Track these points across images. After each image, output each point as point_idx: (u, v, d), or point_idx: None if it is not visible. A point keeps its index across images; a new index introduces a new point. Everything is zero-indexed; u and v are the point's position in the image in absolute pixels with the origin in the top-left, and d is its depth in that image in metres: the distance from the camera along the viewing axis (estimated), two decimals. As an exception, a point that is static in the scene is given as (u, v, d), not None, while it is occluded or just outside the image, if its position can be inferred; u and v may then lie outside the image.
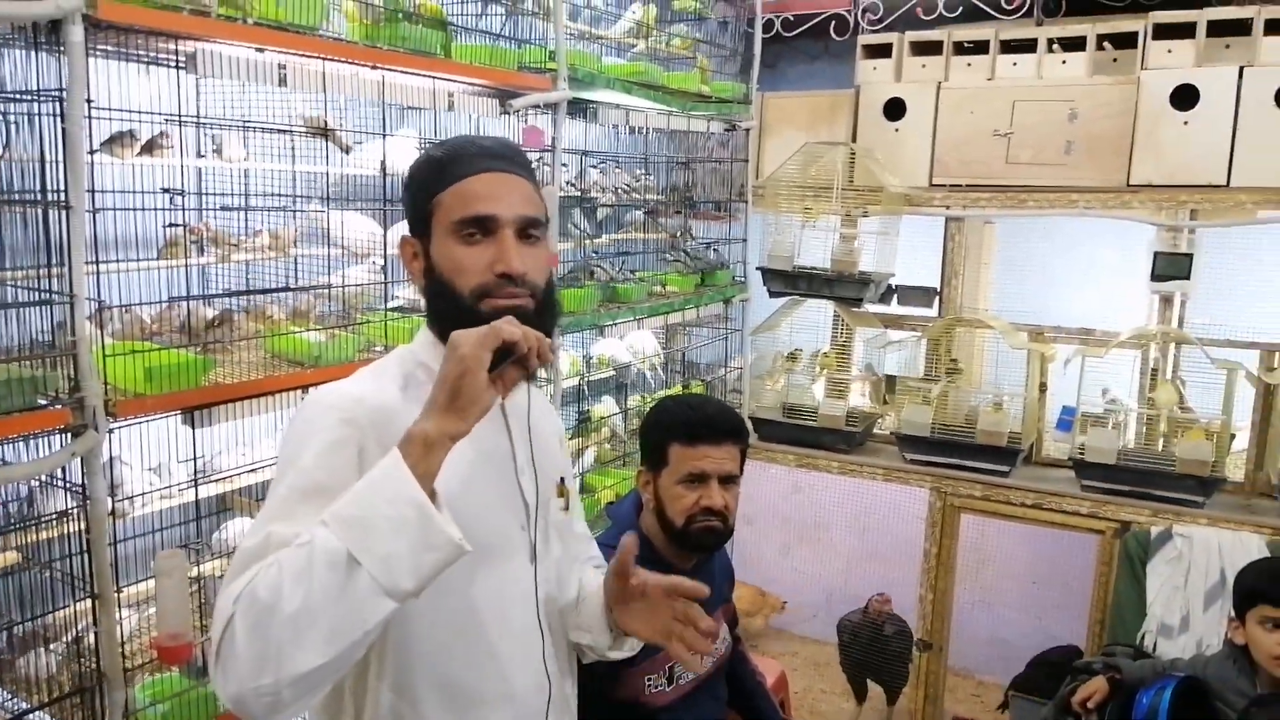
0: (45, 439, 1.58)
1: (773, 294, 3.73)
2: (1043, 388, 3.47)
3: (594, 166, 3.23)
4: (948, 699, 3.69)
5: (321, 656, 0.94)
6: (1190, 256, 3.24)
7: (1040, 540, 3.96)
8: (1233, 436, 3.12)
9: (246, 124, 1.99)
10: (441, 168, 1.21)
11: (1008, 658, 4.21)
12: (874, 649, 3.66)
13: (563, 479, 1.38)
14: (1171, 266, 3.24)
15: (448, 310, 1.16)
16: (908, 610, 3.62)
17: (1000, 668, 4.24)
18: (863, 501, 4.13)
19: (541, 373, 2.85)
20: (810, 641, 4.61)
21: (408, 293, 2.38)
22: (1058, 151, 3.37)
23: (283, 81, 1.81)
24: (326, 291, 2.08)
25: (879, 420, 3.80)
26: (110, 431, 1.63)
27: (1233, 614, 2.35)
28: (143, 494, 1.88)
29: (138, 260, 1.88)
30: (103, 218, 1.80)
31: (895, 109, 3.64)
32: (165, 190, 1.74)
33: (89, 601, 1.63)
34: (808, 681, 4.28)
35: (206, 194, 1.94)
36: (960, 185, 3.55)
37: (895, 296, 3.78)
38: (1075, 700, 2.56)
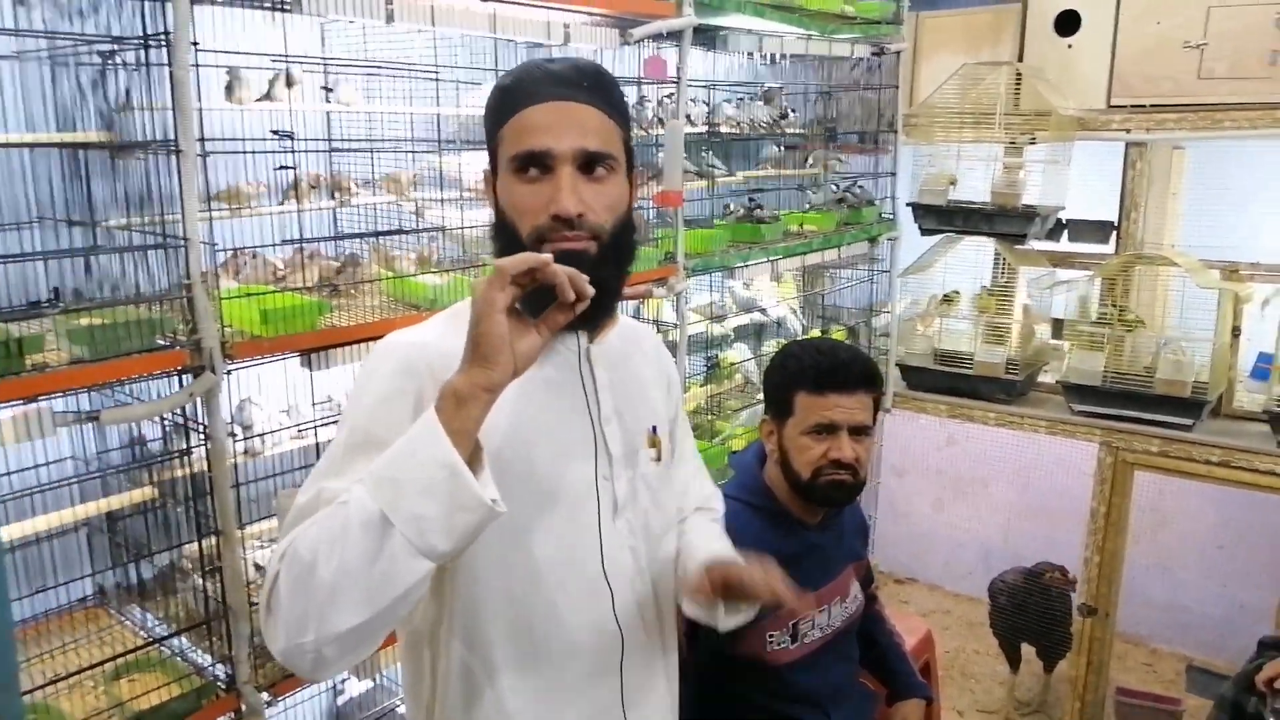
0: (168, 380, 1.63)
1: (924, 231, 3.48)
2: (1236, 332, 3.10)
3: (727, 100, 3.07)
4: (1115, 667, 3.43)
5: (358, 616, 0.92)
6: None
7: (1228, 502, 3.60)
8: None
9: (328, 63, 1.96)
10: (504, 98, 1.13)
11: (1187, 625, 3.88)
12: (1032, 613, 3.43)
13: (654, 428, 1.29)
14: (1399, 191, 2.79)
15: (507, 251, 1.06)
16: (1073, 571, 3.36)
17: (1178, 636, 3.92)
18: (1024, 455, 3.86)
19: (669, 314, 2.78)
20: (964, 599, 4.41)
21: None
22: (1260, 63, 2.95)
23: (390, 18, 1.77)
24: (441, 234, 2.05)
25: (1044, 368, 3.51)
26: (228, 373, 1.66)
27: None
28: (269, 433, 1.93)
29: (250, 208, 1.90)
30: (231, 167, 1.84)
31: (1068, 22, 3.29)
32: (275, 133, 1.74)
33: (214, 538, 1.69)
34: (960, 642, 4.09)
35: (315, 139, 1.93)
36: (1143, 106, 3.18)
37: (1066, 232, 3.45)
38: (1261, 678, 2.30)
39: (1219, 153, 3.53)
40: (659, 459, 1.27)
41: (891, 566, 4.61)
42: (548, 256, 0.96)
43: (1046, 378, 3.51)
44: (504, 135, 1.11)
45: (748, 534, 1.88)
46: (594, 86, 1.13)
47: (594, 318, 1.09)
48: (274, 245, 1.88)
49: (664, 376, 1.37)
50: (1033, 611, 3.42)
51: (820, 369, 1.89)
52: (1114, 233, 3.39)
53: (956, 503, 4.42)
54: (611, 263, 1.11)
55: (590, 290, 0.98)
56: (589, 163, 1.09)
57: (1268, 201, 3.53)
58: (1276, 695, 2.27)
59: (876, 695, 2.21)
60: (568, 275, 0.96)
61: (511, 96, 1.11)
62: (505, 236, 1.11)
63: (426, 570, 0.94)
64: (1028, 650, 3.56)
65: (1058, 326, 3.46)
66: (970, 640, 4.09)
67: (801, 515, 1.98)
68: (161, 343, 1.59)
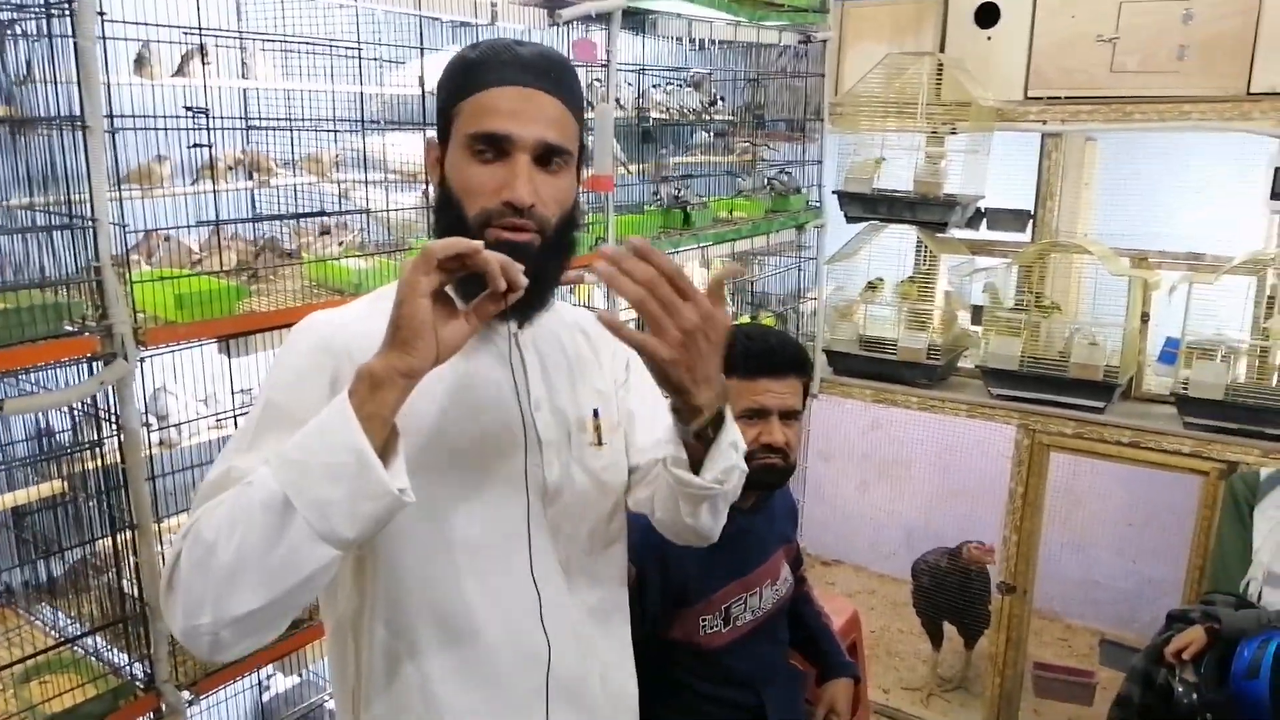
0: (77, 368, 1.56)
1: (850, 219, 3.53)
2: (1144, 318, 3.22)
3: (656, 86, 3.06)
4: (1033, 642, 3.54)
5: (257, 600, 0.90)
6: (1317, 172, 2.91)
7: (1137, 481, 3.75)
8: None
9: (261, 38, 1.89)
10: (469, 71, 1.09)
11: (1099, 600, 4.03)
12: (952, 592, 3.52)
13: (596, 412, 1.26)
14: (1296, 183, 2.92)
15: (449, 230, 1.05)
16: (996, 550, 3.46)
17: (1091, 611, 4.07)
18: (945, 438, 3.95)
19: (600, 300, 2.76)
20: (888, 580, 4.50)
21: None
22: (1169, 57, 3.06)
23: (312, -9, 1.71)
24: (366, 216, 2.00)
25: (964, 354, 3.60)
26: (142, 360, 1.59)
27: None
28: (186, 422, 1.86)
29: (164, 188, 1.82)
30: (141, 145, 1.75)
31: (988, 14, 3.36)
32: (189, 109, 1.67)
33: (129, 532, 1.62)
34: (884, 621, 4.18)
35: (231, 118, 1.86)
36: (1059, 98, 3.26)
37: (985, 220, 3.53)
38: (1169, 651, 2.39)
39: (1129, 145, 3.65)
40: (599, 443, 1.25)
41: (818, 549, 4.69)
42: (478, 244, 0.94)
43: (966, 363, 3.60)
44: (463, 110, 1.08)
45: (680, 518, 1.90)
46: (559, 78, 1.11)
47: (528, 307, 1.07)
48: (189, 227, 1.81)
49: (609, 359, 1.32)
50: (954, 590, 3.51)
51: (751, 354, 1.90)
52: (1030, 221, 3.48)
53: (880, 485, 4.51)
54: (553, 256, 1.09)
55: (523, 281, 0.96)
56: (546, 154, 1.08)
57: (1175, 192, 3.66)
58: (1184, 666, 2.37)
59: (806, 675, 2.25)
60: (500, 264, 0.94)
61: (477, 72, 1.08)
62: (449, 215, 1.08)
63: (330, 557, 0.91)
64: (949, 629, 3.66)
65: (977, 313, 3.54)
66: (895, 619, 4.18)
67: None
68: (70, 329, 1.51)
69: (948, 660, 3.78)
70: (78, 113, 1.45)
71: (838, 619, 2.76)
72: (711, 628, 1.95)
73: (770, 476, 1.93)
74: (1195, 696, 2.30)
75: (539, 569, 1.16)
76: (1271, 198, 2.93)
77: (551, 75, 1.10)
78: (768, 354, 1.90)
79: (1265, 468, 2.75)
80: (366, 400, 0.91)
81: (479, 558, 1.13)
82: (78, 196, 1.49)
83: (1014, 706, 3.42)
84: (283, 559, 0.89)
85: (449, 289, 0.96)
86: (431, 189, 1.18)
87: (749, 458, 1.87)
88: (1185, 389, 2.93)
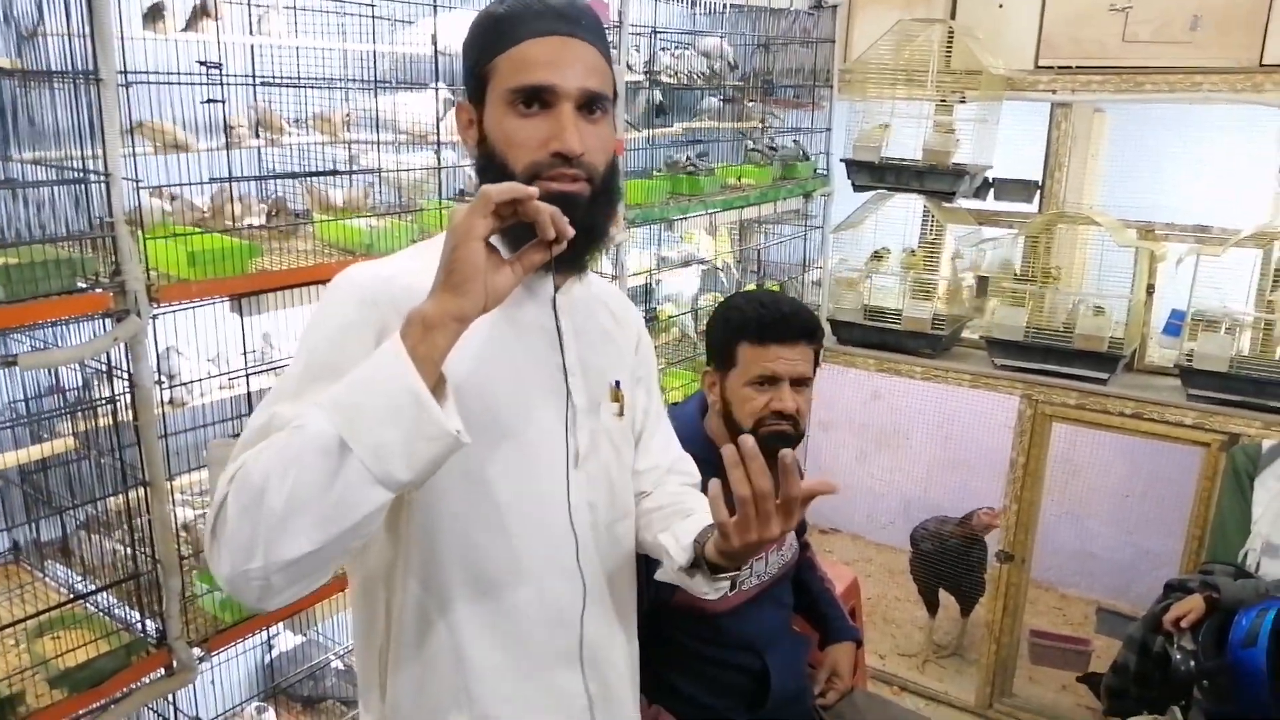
0: (91, 324, 1.55)
1: (857, 188, 3.51)
2: (1150, 290, 3.22)
3: (664, 49, 3.03)
4: (1028, 611, 3.57)
5: (310, 544, 0.89)
6: (1329, 145, 2.91)
7: (1136, 453, 3.77)
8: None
9: None
10: (500, 27, 1.08)
11: (1095, 570, 4.07)
12: (950, 560, 3.55)
13: (617, 382, 1.27)
14: (1306, 156, 2.92)
15: None
16: (991, 521, 3.49)
17: (1086, 581, 4.11)
18: (946, 409, 3.97)
19: (607, 266, 2.75)
20: (885, 548, 4.54)
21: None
22: (1182, 27, 3.03)
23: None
24: (378, 177, 1.98)
25: (968, 324, 3.60)
26: (154, 317, 1.58)
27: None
28: (196, 381, 1.85)
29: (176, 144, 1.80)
30: (154, 102, 1.73)
31: (1000, -18, 3.32)
32: (202, 63, 1.65)
33: (141, 489, 1.62)
34: (881, 589, 4.22)
35: (243, 76, 1.83)
36: (1069, 67, 3.24)
37: (992, 191, 3.52)
38: (1167, 619, 2.42)
39: (1137, 116, 3.63)
40: (621, 413, 1.26)
41: (815, 517, 4.72)
42: (534, 190, 0.94)
43: (970, 333, 3.60)
44: (498, 66, 1.07)
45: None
46: (592, 25, 1.11)
47: (576, 260, 1.08)
48: (204, 184, 1.79)
49: (633, 334, 1.35)
50: (952, 558, 3.54)
51: (763, 321, 1.90)
52: (1038, 192, 3.47)
53: (879, 455, 4.53)
54: (603, 206, 1.08)
55: (570, 231, 0.96)
56: (589, 102, 1.07)
57: (1183, 164, 3.65)
58: (1182, 634, 2.40)
59: (809, 639, 2.27)
60: (550, 214, 0.94)
61: (509, 26, 1.07)
62: (494, 171, 1.07)
63: (383, 500, 0.91)
64: (946, 597, 3.69)
65: (982, 284, 3.54)
66: (891, 587, 4.22)
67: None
68: (82, 285, 1.50)
69: (943, 627, 3.83)
70: (90, 67, 1.43)
71: (838, 585, 2.78)
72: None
73: (780, 443, 1.92)
74: (1193, 664, 2.32)
75: (576, 520, 1.17)
76: (1281, 171, 2.92)
77: (584, 23, 1.10)
78: (780, 321, 1.90)
79: (1267, 440, 2.77)
80: (419, 343, 0.91)
81: (515, 516, 1.13)
82: (90, 152, 1.47)
83: (1009, 673, 3.46)
84: (336, 502, 0.88)
85: (494, 239, 0.96)
86: (464, 152, 1.17)
87: (759, 424, 1.90)
88: (1190, 361, 2.94)
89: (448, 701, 1.15)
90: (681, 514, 1.26)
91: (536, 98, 1.05)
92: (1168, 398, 2.99)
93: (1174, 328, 3.12)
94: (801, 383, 1.93)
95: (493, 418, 1.10)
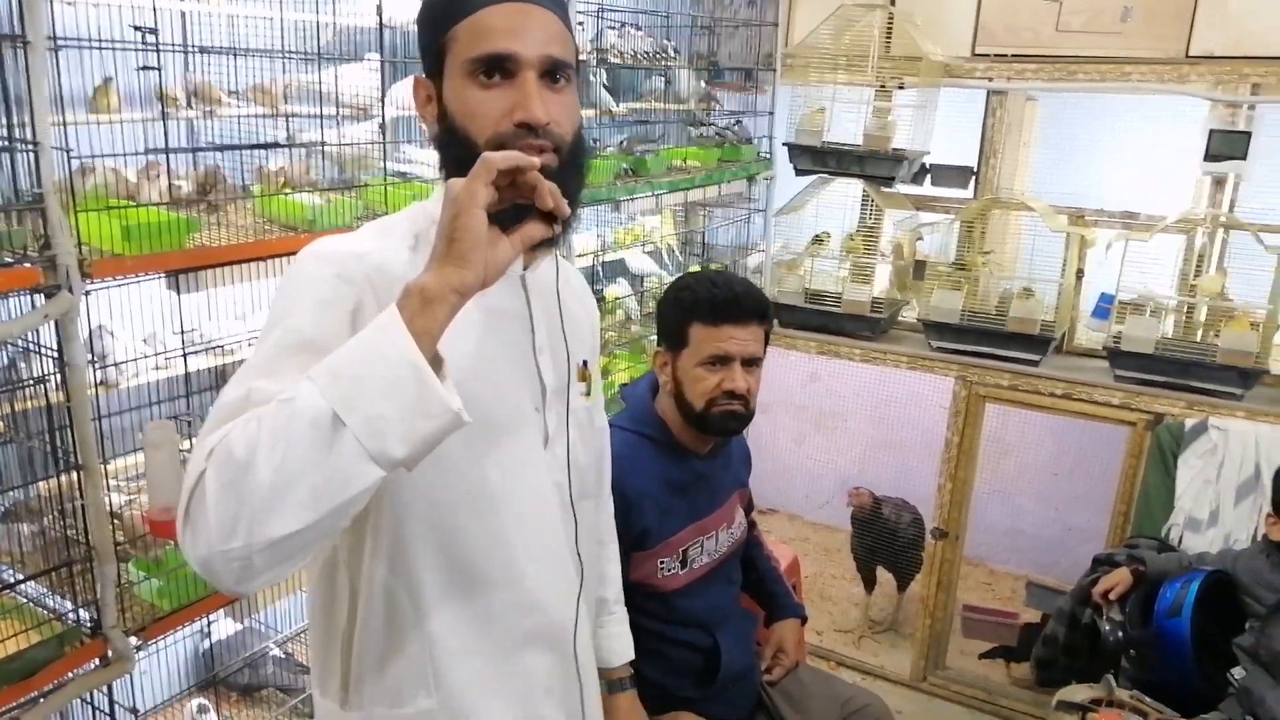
0: (12, 302, 1.47)
1: (799, 171, 3.54)
2: (1080, 274, 3.31)
3: (611, 28, 3.00)
4: (959, 586, 3.67)
5: (298, 522, 0.84)
6: (1248, 135, 3.02)
7: (1064, 432, 3.88)
8: (1277, 328, 2.97)
9: None
10: None
11: (1023, 548, 4.20)
12: (888, 537, 3.62)
13: (585, 363, 1.26)
14: (1227, 145, 3.02)
15: (461, 163, 0.98)
16: (928, 498, 3.56)
17: (1014, 557, 4.24)
18: (882, 390, 4.03)
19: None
20: (822, 528, 4.61)
21: (421, 154, 2.22)
22: (1113, 18, 3.12)
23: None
24: (321, 151, 1.92)
25: (905, 307, 3.66)
26: (87, 294, 1.51)
27: (1270, 510, 2.26)
28: (129, 361, 1.78)
29: (110, 114, 1.72)
30: (81, 71, 1.64)
31: (938, -31, 3.37)
32: (136, 28, 1.57)
33: (74, 473, 1.55)
34: (818, 567, 4.28)
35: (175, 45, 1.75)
36: (1005, 55, 3.31)
37: (929, 176, 3.57)
38: (1096, 591, 2.51)
39: (1068, 105, 3.72)
40: (588, 393, 1.25)
41: (755, 498, 4.75)
42: (536, 160, 0.91)
43: (907, 316, 3.66)
44: (456, 36, 1.03)
45: (640, 464, 1.90)
46: None
47: (559, 237, 1.03)
48: (141, 155, 1.71)
49: (590, 312, 1.35)
50: (890, 535, 3.61)
51: (715, 301, 1.90)
52: (973, 178, 3.54)
53: (817, 436, 4.59)
54: (572, 177, 1.05)
55: (567, 207, 0.93)
56: (552, 70, 1.04)
57: (1111, 152, 3.76)
58: (1110, 606, 2.49)
59: (756, 616, 2.30)
60: (549, 187, 0.91)
61: None
62: (457, 147, 1.03)
63: (376, 478, 0.87)
64: (883, 574, 3.77)
65: (918, 268, 3.60)
66: (828, 565, 4.29)
67: (692, 445, 2.01)
68: (8, 259, 1.43)
69: (878, 604, 3.90)
70: (18, 29, 1.36)
71: (781, 563, 2.82)
72: (669, 570, 1.97)
73: (732, 422, 1.95)
74: (1120, 634, 2.42)
75: (545, 513, 1.17)
76: (1205, 159, 3.03)
77: None
78: (732, 301, 1.90)
79: (1189, 419, 2.88)
80: (417, 315, 0.87)
81: (486, 499, 1.11)
82: (18, 119, 1.40)
83: (942, 646, 3.55)
84: (328, 478, 0.84)
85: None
86: (425, 127, 1.12)
87: (711, 404, 1.90)
88: (1117, 343, 3.04)
89: (414, 685, 1.13)
90: None
91: (497, 67, 1.02)
92: (1096, 379, 3.09)
93: (1103, 311, 3.22)
94: (752, 362, 1.94)
95: (466, 398, 1.08)
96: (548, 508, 1.18)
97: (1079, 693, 2.24)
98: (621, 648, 1.63)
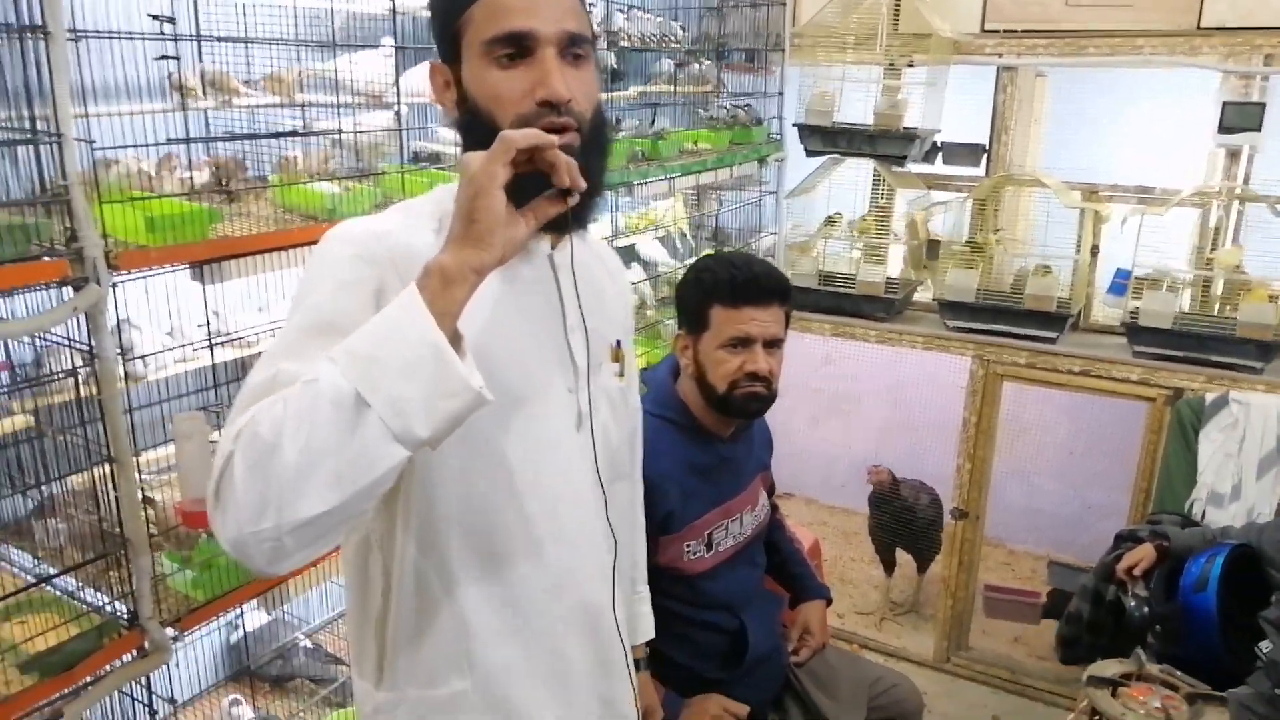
0: (45, 294, 1.47)
1: (810, 153, 3.52)
2: (1095, 250, 3.30)
3: (620, 10, 2.99)
4: (980, 567, 3.67)
5: (325, 503, 0.85)
6: (1263, 106, 3.00)
7: (1082, 410, 3.87)
8: (1293, 299, 2.96)
9: None
10: None
11: (1041, 527, 4.19)
12: (907, 519, 3.61)
13: (618, 342, 1.26)
14: (1241, 117, 3.00)
15: (484, 146, 0.95)
16: (943, 480, 3.55)
17: (1034, 536, 4.23)
18: (897, 372, 4.03)
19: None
20: (839, 511, 4.61)
21: (437, 142, 2.21)
22: (1124, -10, 3.10)
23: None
24: (338, 139, 1.92)
25: (919, 287, 3.65)
26: (114, 286, 1.51)
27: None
28: (155, 354, 1.78)
29: (123, 106, 1.71)
30: (98, 62, 1.64)
31: (947, -54, 3.34)
32: (154, 17, 1.57)
33: (107, 466, 1.55)
34: (837, 551, 4.28)
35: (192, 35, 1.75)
36: (1015, 31, 3.28)
37: (941, 155, 3.56)
38: (1120, 567, 2.50)
39: (1078, 80, 3.70)
40: (621, 374, 1.25)
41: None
42: (554, 138, 0.91)
43: (922, 296, 3.65)
44: (472, 18, 1.03)
45: (663, 448, 1.90)
46: None
47: (580, 215, 1.04)
48: (164, 145, 1.71)
49: (622, 288, 1.34)
50: (906, 517, 3.61)
51: (735, 283, 1.90)
52: (985, 155, 3.52)
53: (831, 419, 4.58)
54: (595, 155, 1.04)
55: (583, 183, 0.93)
56: (568, 45, 1.03)
57: (1123, 126, 3.74)
58: (1135, 581, 2.48)
59: (781, 598, 2.30)
60: (566, 163, 0.91)
61: None
62: (480, 130, 1.02)
63: (401, 458, 0.87)
64: (902, 556, 3.76)
65: (933, 247, 3.59)
66: (847, 549, 4.29)
67: (715, 428, 2.01)
68: (36, 251, 1.43)
69: (899, 586, 3.91)
70: (38, 21, 1.35)
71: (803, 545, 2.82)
72: (695, 554, 1.98)
73: (754, 404, 1.95)
74: (1146, 610, 2.41)
75: (578, 494, 1.17)
76: (1219, 131, 3.01)
77: None
78: (752, 282, 1.90)
79: (1209, 393, 2.87)
80: (438, 296, 0.87)
81: (516, 479, 1.11)
82: (40, 112, 1.39)
83: (964, 627, 3.55)
84: (353, 458, 0.85)
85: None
86: (445, 113, 1.11)
87: (734, 386, 1.90)
88: (1134, 318, 3.02)
89: (448, 667, 1.13)
90: None
91: (516, 45, 1.01)
92: (1114, 355, 3.08)
93: (1119, 286, 3.20)
94: (774, 344, 1.94)
95: (493, 379, 1.06)
96: (581, 489, 1.18)
97: (1109, 668, 2.23)
98: (644, 627, 1.63)
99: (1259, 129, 3.00)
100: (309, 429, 0.84)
